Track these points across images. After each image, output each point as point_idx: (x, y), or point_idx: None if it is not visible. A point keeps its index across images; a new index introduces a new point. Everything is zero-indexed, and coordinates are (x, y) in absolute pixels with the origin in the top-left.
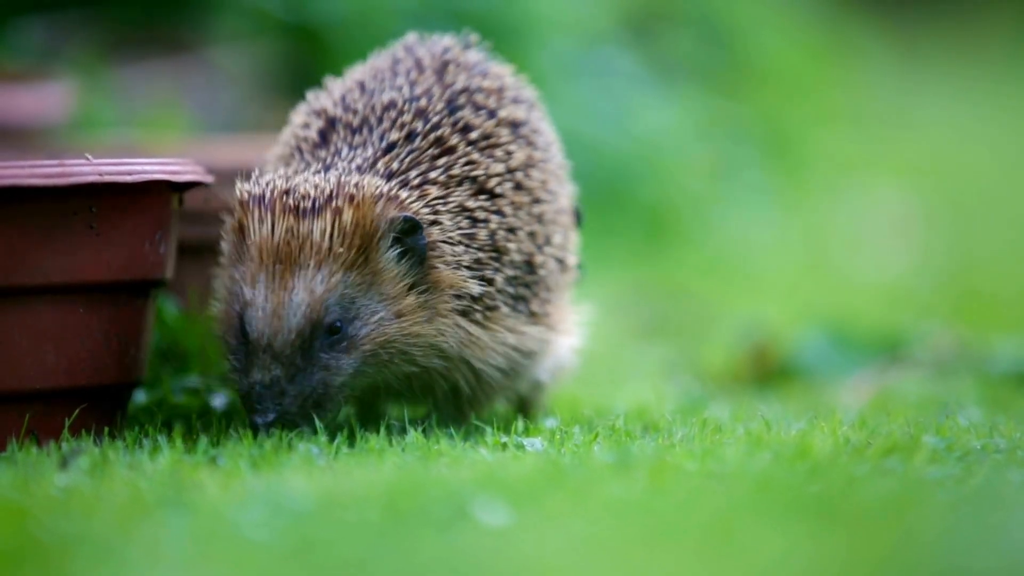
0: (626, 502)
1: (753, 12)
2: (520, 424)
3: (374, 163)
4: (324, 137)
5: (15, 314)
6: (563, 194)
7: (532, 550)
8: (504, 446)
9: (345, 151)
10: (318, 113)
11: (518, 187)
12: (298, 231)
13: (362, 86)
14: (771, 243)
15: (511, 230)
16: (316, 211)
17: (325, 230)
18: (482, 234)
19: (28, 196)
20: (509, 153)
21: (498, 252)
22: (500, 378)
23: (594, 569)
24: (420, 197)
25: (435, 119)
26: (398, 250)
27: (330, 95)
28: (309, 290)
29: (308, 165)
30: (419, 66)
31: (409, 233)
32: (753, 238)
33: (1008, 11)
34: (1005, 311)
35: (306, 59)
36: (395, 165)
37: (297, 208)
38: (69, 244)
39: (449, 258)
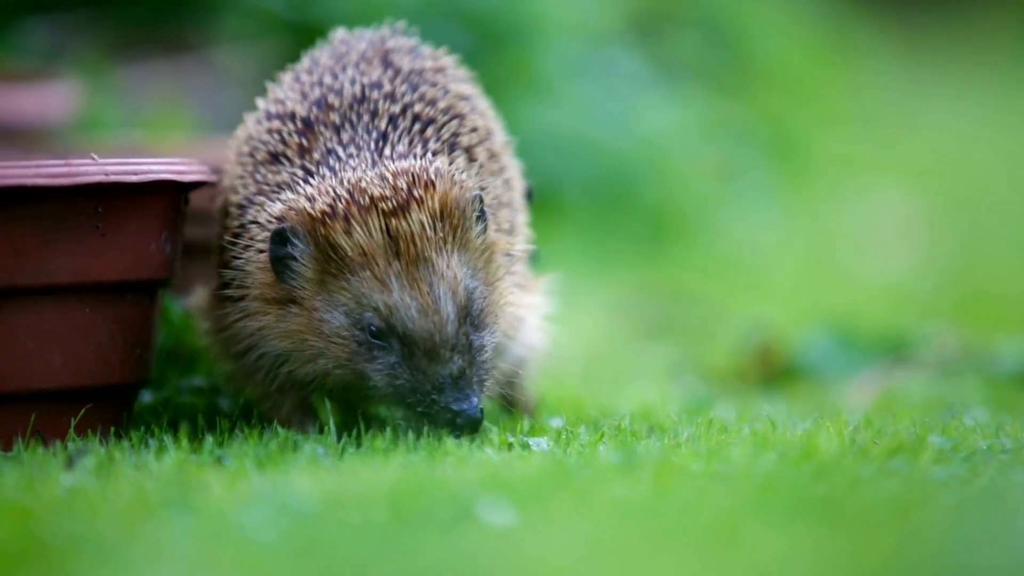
0: (631, 502)
1: (758, 13)
2: (526, 424)
3: (381, 153)
4: (307, 140)
5: (21, 314)
6: (512, 165)
7: (537, 551)
8: (510, 446)
9: (340, 151)
10: (286, 117)
11: (491, 155)
12: (400, 228)
13: (320, 83)
14: (776, 244)
15: (493, 195)
16: (402, 206)
17: (424, 220)
18: (488, 196)
19: (34, 196)
20: (473, 124)
21: (499, 205)
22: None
23: (599, 570)
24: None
25: (406, 99)
26: (480, 224)
27: (288, 98)
28: (442, 278)
29: (307, 171)
30: (364, 57)
31: (478, 207)
32: (758, 239)
33: (1013, 12)
34: (1010, 311)
35: None
36: (400, 148)
37: (378, 207)
38: (75, 244)
39: (497, 223)
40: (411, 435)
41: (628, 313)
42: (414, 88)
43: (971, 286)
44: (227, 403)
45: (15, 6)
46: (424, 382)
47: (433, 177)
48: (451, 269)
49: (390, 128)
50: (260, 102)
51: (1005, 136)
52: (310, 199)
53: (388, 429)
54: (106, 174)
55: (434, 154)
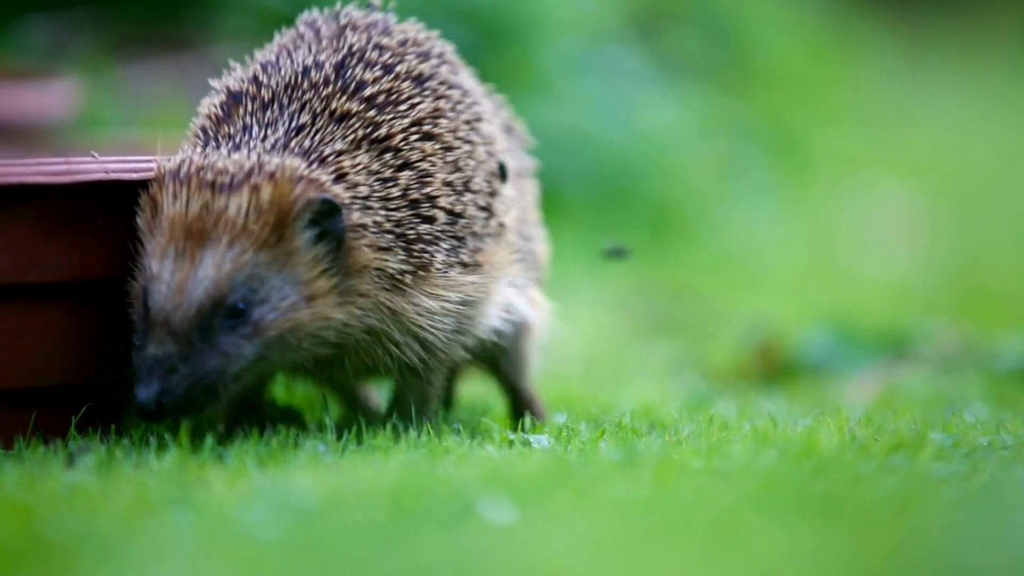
0: (632, 500)
1: (759, 11)
2: (527, 421)
3: (287, 143)
4: (227, 111)
5: (21, 312)
6: (480, 143)
7: (538, 548)
8: (511, 443)
9: (256, 129)
10: (220, 90)
11: (426, 137)
12: (212, 206)
13: (266, 66)
14: (776, 241)
15: (424, 179)
16: (233, 187)
17: (240, 207)
18: (394, 192)
19: (34, 194)
20: (413, 106)
21: (415, 204)
22: (449, 338)
23: (600, 567)
24: (336, 174)
25: (327, 89)
26: (315, 232)
27: (235, 74)
28: (216, 266)
29: (217, 142)
30: (318, 37)
31: (327, 215)
32: (758, 236)
33: (1014, 10)
34: (1010, 308)
35: None
36: (306, 143)
37: (213, 184)
38: (75, 242)
39: (370, 237)
40: (412, 433)
41: (628, 310)
42: (343, 74)
43: (972, 283)
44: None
45: (16, 4)
46: (136, 358)
47: (274, 170)
48: (231, 261)
49: (308, 120)
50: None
51: (1006, 133)
52: (173, 163)
53: (389, 427)
54: (106, 172)
55: (342, 155)
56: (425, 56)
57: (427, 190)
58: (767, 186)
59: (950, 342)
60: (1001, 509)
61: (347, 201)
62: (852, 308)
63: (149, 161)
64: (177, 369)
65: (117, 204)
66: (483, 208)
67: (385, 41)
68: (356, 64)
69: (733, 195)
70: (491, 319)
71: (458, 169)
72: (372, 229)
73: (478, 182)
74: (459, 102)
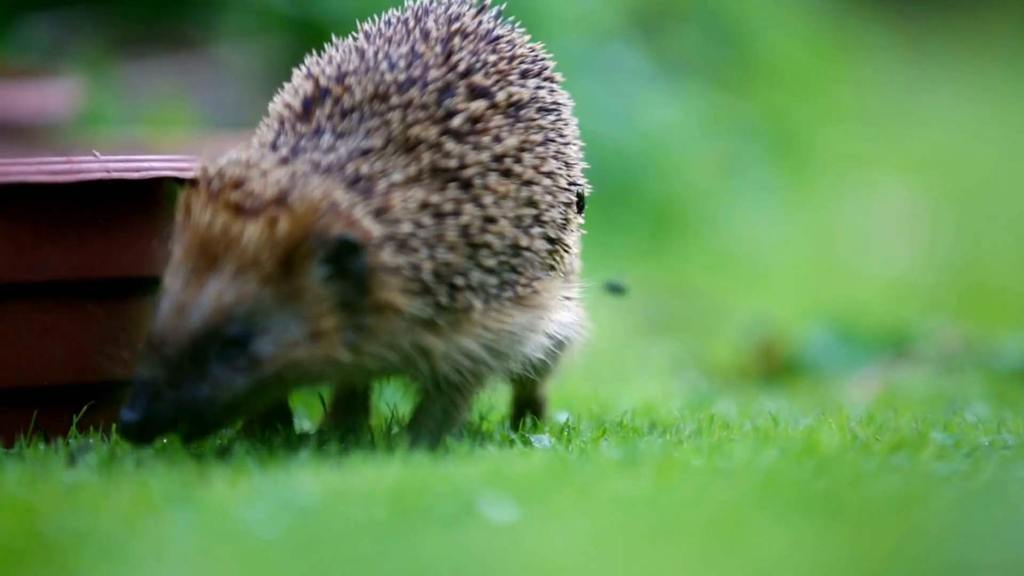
0: (633, 498)
1: (760, 9)
2: (528, 421)
3: (346, 163)
4: (308, 108)
5: (23, 311)
6: (563, 173)
7: (539, 546)
8: (512, 442)
9: (327, 137)
10: (309, 77)
11: (506, 174)
12: (231, 229)
13: (363, 54)
14: (777, 239)
15: (489, 220)
16: (254, 213)
17: (255, 235)
18: (451, 232)
19: (35, 193)
20: (499, 139)
21: (474, 247)
22: (489, 368)
23: (601, 565)
24: (379, 208)
25: (415, 114)
26: (331, 270)
27: (330, 59)
28: (218, 294)
29: (285, 141)
30: (426, 37)
31: (345, 254)
32: (759, 234)
33: (1014, 9)
34: (1011, 306)
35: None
36: (365, 168)
37: (238, 206)
38: (77, 241)
39: (400, 279)
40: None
41: (629, 308)
42: (440, 101)
43: (973, 281)
44: None
45: (16, 3)
46: (133, 376)
47: (297, 200)
48: (234, 290)
49: (380, 139)
50: (309, 60)
51: (1007, 131)
52: (215, 166)
53: (390, 427)
54: (108, 171)
55: (392, 186)
56: (526, 75)
57: (490, 227)
58: (768, 184)
59: (951, 341)
60: (1002, 508)
61: (378, 240)
62: (853, 306)
63: (151, 160)
64: (163, 395)
65: (118, 203)
66: (551, 240)
67: (492, 58)
68: (460, 89)
69: (734, 193)
70: (539, 344)
71: (532, 204)
72: (406, 271)
73: (551, 215)
74: (551, 130)
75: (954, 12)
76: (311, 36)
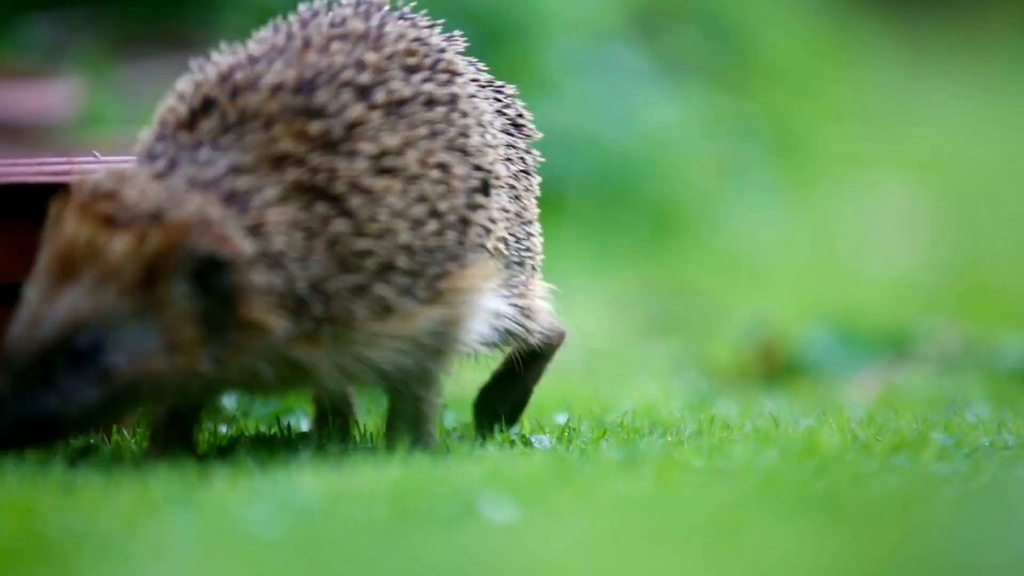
0: (633, 499)
1: (760, 9)
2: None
3: (222, 179)
4: (193, 118)
5: None
6: (460, 162)
7: (539, 547)
8: (512, 443)
9: (206, 150)
10: (199, 85)
11: (384, 173)
12: (96, 241)
13: (254, 61)
14: (778, 240)
15: (362, 227)
16: (123, 226)
17: (121, 248)
18: (320, 246)
19: (36, 193)
20: (374, 141)
21: (347, 257)
22: (399, 373)
23: (601, 565)
24: (253, 225)
25: (283, 128)
26: (195, 285)
27: (218, 66)
28: (72, 305)
29: (164, 151)
30: (307, 44)
31: (210, 271)
32: (760, 235)
33: (1014, 9)
34: (1012, 307)
35: None
36: (240, 184)
37: (109, 218)
38: None
39: (270, 297)
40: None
41: (630, 309)
42: (306, 108)
43: (973, 281)
44: (229, 400)
45: (16, 3)
46: None
47: (168, 216)
48: (89, 302)
49: (252, 155)
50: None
51: (1007, 132)
52: (90, 180)
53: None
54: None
55: (266, 203)
56: (414, 70)
57: (365, 243)
58: (768, 185)
59: (951, 341)
60: (1003, 509)
61: (249, 258)
62: (853, 307)
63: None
64: (6, 406)
65: None
66: (457, 226)
67: (370, 57)
68: (322, 91)
69: (734, 194)
70: (480, 333)
71: (423, 199)
72: (278, 289)
73: (449, 205)
74: (442, 121)
75: (954, 12)
76: None
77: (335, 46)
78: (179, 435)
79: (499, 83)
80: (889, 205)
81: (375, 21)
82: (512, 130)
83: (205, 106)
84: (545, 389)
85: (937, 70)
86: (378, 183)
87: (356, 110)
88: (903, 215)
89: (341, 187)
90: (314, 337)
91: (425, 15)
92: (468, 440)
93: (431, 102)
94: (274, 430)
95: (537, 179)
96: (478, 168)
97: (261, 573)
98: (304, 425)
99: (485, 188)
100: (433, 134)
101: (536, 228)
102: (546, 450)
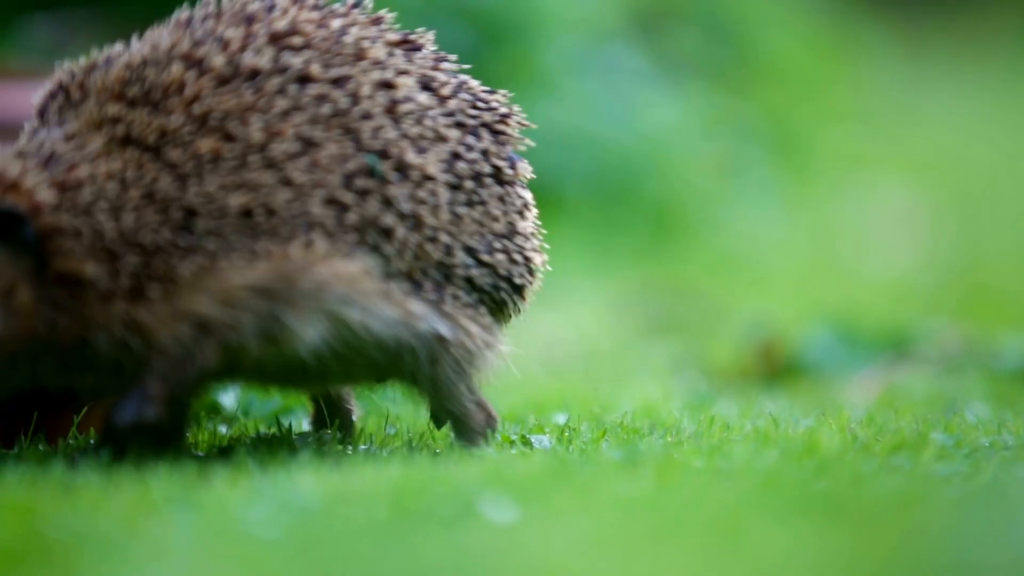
0: (633, 499)
1: (760, 9)
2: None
3: (44, 146)
4: (43, 112)
5: None
6: (330, 141)
7: (539, 547)
8: (512, 443)
9: (45, 130)
10: (49, 84)
11: (214, 134)
12: None
13: (109, 58)
14: (778, 240)
15: (185, 178)
16: None
17: None
18: (134, 195)
19: None
20: (197, 99)
21: (168, 209)
22: (236, 337)
23: (601, 566)
24: (58, 183)
25: (110, 93)
26: (4, 242)
27: (80, 63)
28: None
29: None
30: (176, 24)
31: (12, 224)
32: (760, 235)
33: (1015, 9)
34: (1012, 307)
35: None
36: (60, 149)
37: None
38: None
39: (76, 245)
40: (411, 433)
41: (630, 309)
42: (132, 74)
43: (974, 282)
44: (230, 400)
45: (17, 3)
46: None
47: None
48: None
49: (81, 122)
50: None
51: (1007, 132)
52: None
53: (391, 427)
54: None
55: (79, 160)
56: (291, 48)
57: (189, 198)
58: (768, 185)
59: (952, 341)
60: (1003, 509)
61: (50, 207)
62: (853, 307)
63: None
64: None
65: None
66: (328, 202)
67: (230, 33)
68: (156, 63)
69: (734, 194)
70: (320, 322)
71: (272, 166)
72: (85, 237)
73: (313, 179)
74: (315, 98)
75: (954, 12)
76: None
77: (207, 25)
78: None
79: (478, 84)
80: (889, 205)
81: (268, 4)
82: (484, 133)
83: (51, 95)
84: (545, 389)
85: (937, 70)
86: (204, 143)
87: (177, 75)
88: (903, 215)
89: (153, 137)
90: (139, 295)
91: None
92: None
93: (305, 79)
94: (274, 430)
95: (524, 192)
96: (368, 151)
97: (261, 573)
98: (305, 425)
99: (372, 171)
100: (296, 108)
101: (518, 242)
102: (546, 450)
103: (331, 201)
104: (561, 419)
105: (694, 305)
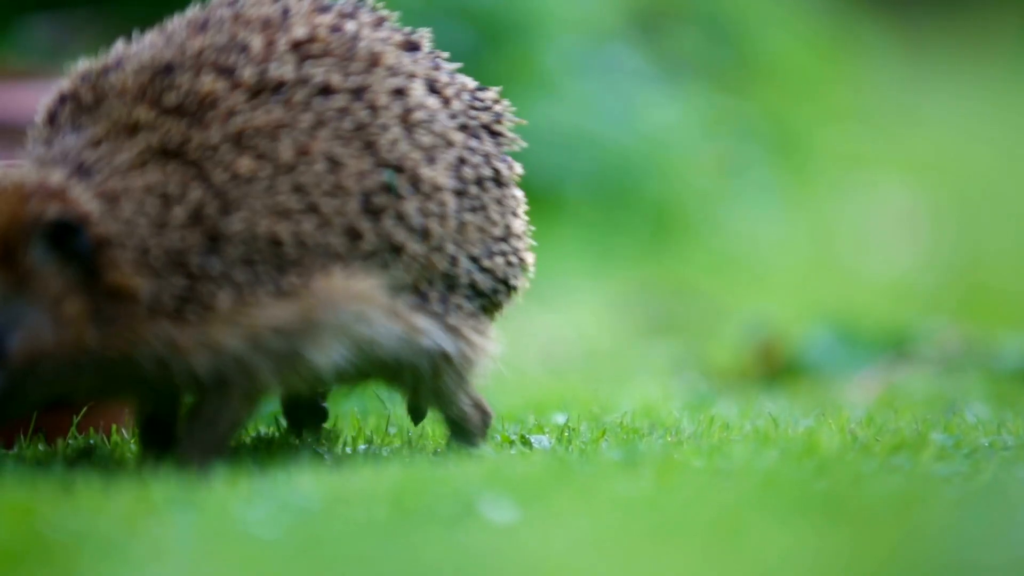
0: (633, 499)
1: (760, 10)
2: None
3: (71, 153)
4: (52, 118)
5: None
6: (355, 157)
7: (539, 547)
8: (511, 443)
9: (61, 137)
10: (57, 89)
11: (249, 152)
12: None
13: (119, 60)
14: (778, 240)
15: (228, 205)
16: None
17: None
18: (178, 215)
19: None
20: (234, 115)
21: (210, 233)
22: (256, 367)
23: (601, 566)
24: (100, 193)
25: (138, 98)
26: (55, 253)
27: (84, 67)
28: None
29: (34, 146)
30: (198, 28)
31: (65, 235)
32: (760, 235)
33: (1015, 8)
34: (1012, 307)
35: None
36: (90, 156)
37: None
38: None
39: (126, 256)
40: (412, 433)
41: (630, 309)
42: (164, 78)
43: (974, 282)
44: None
45: (17, 3)
46: None
47: (8, 187)
48: None
49: (106, 126)
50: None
51: (1008, 132)
52: None
53: (392, 428)
54: None
55: (116, 169)
56: (312, 56)
57: (229, 223)
58: (768, 185)
59: (951, 342)
60: (1002, 509)
61: (97, 218)
62: (853, 307)
63: None
64: None
65: None
66: (344, 228)
67: (253, 40)
68: (185, 68)
69: (734, 194)
70: (338, 348)
71: (299, 190)
72: (132, 250)
73: (335, 205)
74: (337, 111)
75: (954, 12)
76: None
77: (225, 29)
78: (158, 439)
79: (475, 84)
80: (889, 205)
81: (281, 7)
82: (484, 135)
83: (61, 100)
84: (545, 389)
85: (937, 70)
86: (242, 163)
87: (212, 85)
88: (903, 215)
89: (195, 152)
90: (180, 317)
91: (373, 7)
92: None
93: (327, 91)
94: (274, 430)
95: (516, 192)
96: (385, 165)
97: (261, 573)
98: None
99: (389, 188)
100: (320, 123)
101: (513, 243)
102: (546, 450)
103: (350, 230)
104: (561, 419)
105: (694, 305)
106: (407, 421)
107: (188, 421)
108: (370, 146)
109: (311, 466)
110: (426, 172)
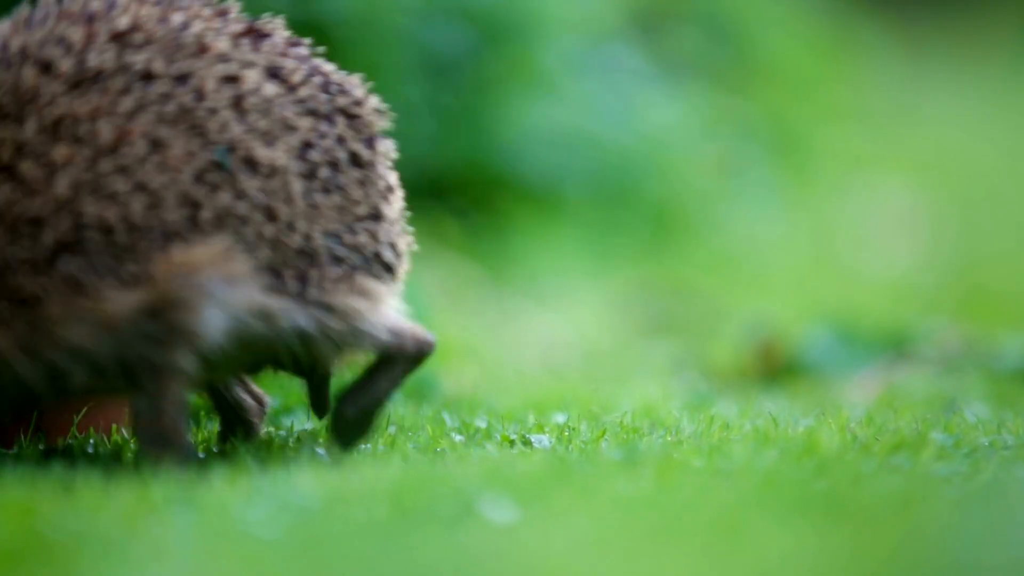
0: (633, 498)
1: (759, 9)
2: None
3: None
4: None
5: None
6: (178, 139)
7: (539, 546)
8: (511, 443)
9: None
10: None
11: (65, 140)
12: None
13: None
14: (778, 240)
15: (37, 192)
16: None
17: None
18: None
19: None
20: (49, 105)
21: (17, 228)
22: (118, 365)
23: (601, 565)
24: None
25: None
26: None
27: None
28: None
29: None
30: (19, 26)
31: None
32: (760, 235)
33: (1015, 8)
34: (1012, 307)
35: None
36: None
37: None
38: None
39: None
40: (412, 433)
41: (629, 309)
42: None
43: (973, 282)
44: None
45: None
46: None
47: None
48: None
49: None
50: None
51: (1008, 132)
52: None
53: (392, 428)
54: None
55: None
56: (133, 46)
57: (33, 212)
58: (768, 185)
59: (952, 341)
60: (1002, 509)
61: None
62: (853, 307)
63: None
64: None
65: None
66: (180, 204)
67: (73, 33)
68: (5, 66)
69: (734, 194)
70: (204, 325)
71: (122, 171)
72: None
73: (165, 181)
74: (160, 96)
75: (954, 12)
76: (311, 37)
77: (48, 25)
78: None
79: (332, 69)
80: (889, 205)
81: (107, 2)
82: (339, 119)
83: None
84: (545, 389)
85: (937, 70)
86: (58, 151)
87: (31, 81)
88: (903, 215)
89: (7, 155)
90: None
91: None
92: (468, 440)
93: (148, 77)
94: (273, 430)
95: (390, 178)
96: (212, 144)
97: (261, 573)
98: (307, 424)
99: (220, 166)
100: (141, 107)
101: (384, 226)
102: (546, 450)
103: (185, 198)
104: (561, 419)
105: (694, 305)
106: (407, 421)
107: (132, 425)
108: (197, 128)
109: (311, 466)
110: (264, 153)
